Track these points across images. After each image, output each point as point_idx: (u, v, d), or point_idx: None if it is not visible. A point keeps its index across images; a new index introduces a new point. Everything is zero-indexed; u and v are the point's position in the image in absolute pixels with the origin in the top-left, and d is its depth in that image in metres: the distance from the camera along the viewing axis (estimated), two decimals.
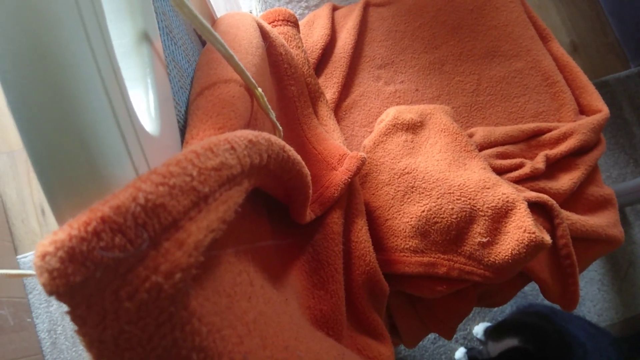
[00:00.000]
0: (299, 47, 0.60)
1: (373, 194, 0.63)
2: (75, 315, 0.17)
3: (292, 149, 0.30)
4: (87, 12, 0.18)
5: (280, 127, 0.40)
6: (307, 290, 0.50)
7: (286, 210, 0.48)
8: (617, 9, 1.40)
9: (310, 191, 0.40)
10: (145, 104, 0.23)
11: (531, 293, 1.22)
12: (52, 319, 1.11)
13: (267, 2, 0.86)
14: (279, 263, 0.46)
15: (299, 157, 0.32)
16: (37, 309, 1.12)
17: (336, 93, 0.72)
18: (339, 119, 0.73)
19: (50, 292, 0.16)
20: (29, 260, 1.13)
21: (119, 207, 0.17)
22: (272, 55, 0.54)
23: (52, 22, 0.16)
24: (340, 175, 0.55)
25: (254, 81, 0.32)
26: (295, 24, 0.63)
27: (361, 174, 0.65)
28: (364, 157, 0.58)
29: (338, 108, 0.73)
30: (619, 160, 1.32)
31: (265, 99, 0.34)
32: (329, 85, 0.72)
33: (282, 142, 0.28)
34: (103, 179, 0.18)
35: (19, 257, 1.13)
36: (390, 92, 0.74)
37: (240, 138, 0.23)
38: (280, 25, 0.62)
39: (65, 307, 0.17)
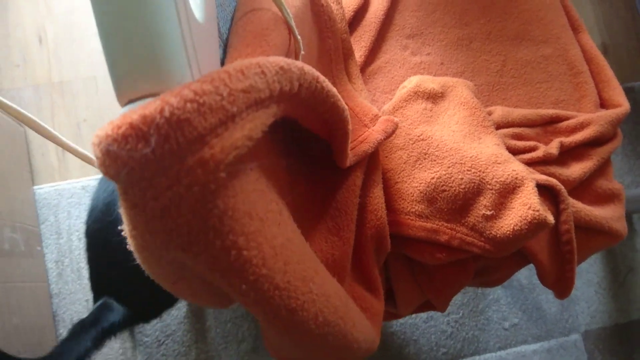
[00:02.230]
0: (339, 3, 0.61)
1: (386, 157, 0.65)
2: (120, 194, 0.19)
3: (327, 80, 0.31)
4: None
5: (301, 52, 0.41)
6: (322, 234, 0.51)
7: (315, 158, 0.50)
8: None
9: (350, 127, 0.41)
10: None
11: (527, 287, 1.23)
12: (61, 250, 1.15)
13: None
14: (295, 206, 0.48)
15: (334, 90, 0.33)
16: (47, 239, 1.15)
17: (362, 57, 0.73)
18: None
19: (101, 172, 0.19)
20: (44, 192, 1.17)
21: (146, 116, 0.18)
22: (316, 5, 0.55)
23: None
24: (375, 134, 0.56)
25: (289, 12, 0.34)
26: None
27: None
28: (397, 122, 0.59)
29: (362, 72, 0.74)
30: (634, 168, 1.32)
31: (297, 32, 0.35)
32: (357, 49, 0.73)
33: (317, 73, 0.29)
34: (162, 59, 0.20)
35: (35, 187, 1.17)
36: (416, 62, 0.75)
37: (272, 63, 0.25)
38: None
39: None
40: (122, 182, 0.19)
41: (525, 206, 0.58)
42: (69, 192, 1.18)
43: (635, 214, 1.28)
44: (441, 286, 0.68)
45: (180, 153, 0.19)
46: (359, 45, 0.73)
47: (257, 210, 0.24)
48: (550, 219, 0.59)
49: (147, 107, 0.18)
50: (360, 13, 0.75)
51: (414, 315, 1.19)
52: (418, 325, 1.19)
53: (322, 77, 0.30)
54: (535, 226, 0.58)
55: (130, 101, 0.21)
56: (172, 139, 0.19)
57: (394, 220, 0.63)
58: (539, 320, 1.21)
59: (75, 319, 1.13)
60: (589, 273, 1.25)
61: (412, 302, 0.72)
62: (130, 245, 0.22)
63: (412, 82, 0.67)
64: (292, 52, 0.39)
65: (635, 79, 1.38)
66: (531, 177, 0.60)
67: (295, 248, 0.28)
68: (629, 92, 1.36)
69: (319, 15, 0.54)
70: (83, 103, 1.24)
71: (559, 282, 0.71)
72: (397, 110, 0.66)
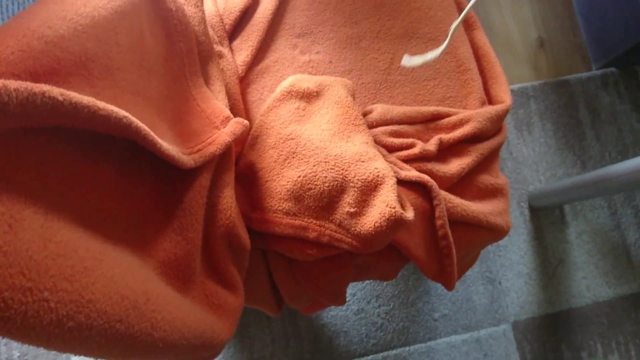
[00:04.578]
0: (197, 7, 0.62)
1: (260, 156, 0.66)
2: None
3: (65, 92, 0.32)
4: None
5: None
6: (164, 233, 0.53)
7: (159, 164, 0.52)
8: (586, 9, 1.39)
9: (141, 129, 0.41)
10: None
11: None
12: None
13: None
14: (130, 206, 0.49)
15: (87, 101, 0.34)
16: None
17: (249, 56, 0.74)
18: (249, 82, 0.75)
19: None
20: None
21: None
22: (162, 10, 0.56)
23: None
24: (224, 136, 0.58)
25: None
26: None
27: (252, 136, 0.67)
28: (247, 124, 0.61)
29: (250, 71, 0.75)
30: (567, 160, 1.33)
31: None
32: (244, 48, 0.74)
33: (40, 88, 0.30)
34: None
35: None
36: (305, 61, 0.76)
37: None
38: None
39: None
40: None
41: (384, 203, 0.60)
42: None
43: (567, 205, 1.30)
44: (319, 281, 0.70)
45: None
46: (247, 45, 0.74)
47: None
48: (408, 215, 0.60)
49: None
50: (248, 13, 0.76)
51: (344, 308, 1.21)
52: (348, 317, 1.21)
53: (55, 90, 0.31)
54: (393, 223, 0.59)
55: None
56: None
57: (263, 218, 0.64)
58: (469, 311, 1.23)
59: None
60: (519, 264, 1.27)
61: (297, 297, 0.73)
62: None
63: (288, 81, 0.68)
64: (106, 57, 0.40)
65: (570, 72, 1.39)
66: (392, 175, 0.62)
67: (17, 259, 0.30)
68: (563, 85, 1.37)
69: (167, 20, 0.55)
70: None
71: (442, 275, 0.73)
72: (271, 109, 0.67)
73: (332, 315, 1.21)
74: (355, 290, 1.22)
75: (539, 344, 1.23)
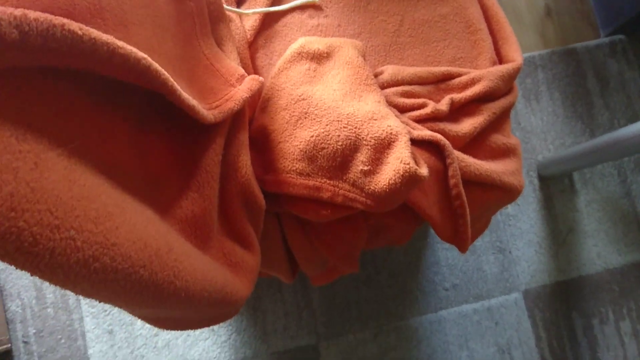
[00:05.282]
0: None
1: (272, 118, 0.66)
2: None
3: (85, 27, 0.32)
4: None
5: None
6: (182, 191, 0.53)
7: (175, 122, 0.52)
8: None
9: (164, 77, 0.41)
10: None
11: (469, 248, 1.25)
12: None
13: None
14: (149, 165, 0.50)
15: (106, 37, 0.34)
16: None
17: (257, 21, 0.73)
18: (258, 47, 0.74)
19: None
20: None
21: None
22: None
23: None
24: (241, 92, 0.58)
25: None
26: None
27: (263, 99, 0.67)
28: (262, 80, 0.61)
29: (258, 36, 0.75)
30: (575, 129, 1.33)
31: None
32: (253, 8, 0.74)
33: (60, 20, 0.30)
34: None
35: None
36: (313, 25, 0.76)
37: None
38: None
39: None
40: None
41: (398, 160, 0.59)
42: None
43: (576, 174, 1.29)
44: (332, 243, 0.70)
45: None
46: (257, 4, 0.74)
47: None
48: (422, 171, 0.60)
49: None
50: None
51: (355, 277, 1.22)
52: (359, 288, 1.21)
53: (74, 24, 0.31)
54: (408, 179, 0.59)
55: None
56: None
57: (277, 180, 0.64)
58: (480, 281, 1.24)
59: (22, 293, 1.16)
60: (529, 233, 1.27)
61: (311, 260, 0.74)
62: None
63: (298, 43, 0.68)
64: (124, 7, 0.40)
65: (577, 40, 1.37)
66: (406, 132, 0.61)
67: (46, 197, 0.30)
68: (571, 54, 1.36)
69: None
70: None
71: (455, 236, 0.73)
72: (281, 71, 0.67)
73: (344, 287, 1.21)
74: (366, 262, 1.23)
75: (550, 311, 1.23)
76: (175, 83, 0.42)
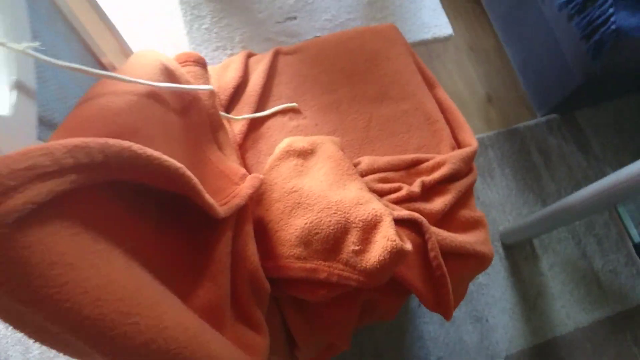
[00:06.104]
0: (205, 84, 0.71)
1: (267, 210, 0.73)
2: None
3: (143, 147, 0.40)
4: None
5: None
6: (198, 281, 0.58)
7: (187, 219, 0.58)
8: (522, 66, 1.59)
9: (194, 182, 0.49)
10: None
11: (447, 322, 1.31)
12: None
13: (196, 49, 0.98)
14: (168, 259, 0.55)
15: (156, 154, 0.42)
16: None
17: (245, 126, 0.83)
18: (247, 148, 0.83)
19: None
20: None
21: None
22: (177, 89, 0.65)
23: None
24: (245, 189, 0.65)
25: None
26: (202, 64, 0.75)
27: (258, 193, 0.75)
28: (262, 177, 0.69)
29: (247, 139, 0.84)
30: (528, 200, 1.46)
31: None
32: (239, 119, 0.84)
33: (127, 143, 0.38)
34: None
35: None
36: (294, 126, 0.86)
37: (62, 143, 0.33)
38: (190, 65, 0.74)
39: None
40: None
41: (385, 238, 0.67)
42: None
43: (536, 240, 1.40)
44: (330, 322, 0.75)
45: None
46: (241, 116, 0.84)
47: (64, 257, 0.31)
48: (407, 246, 0.68)
49: None
50: (240, 89, 0.86)
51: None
52: None
53: (136, 146, 0.38)
54: (395, 254, 0.67)
55: None
56: None
57: (276, 265, 0.70)
58: (462, 352, 1.28)
59: None
60: (502, 301, 1.34)
61: (310, 341, 0.78)
62: None
63: (284, 143, 0.77)
64: (147, 127, 0.48)
65: (518, 121, 1.55)
66: (389, 213, 0.70)
67: (119, 288, 0.36)
68: (515, 133, 1.53)
69: (183, 96, 0.64)
70: None
71: (439, 305, 0.80)
72: (272, 168, 0.75)
73: None
74: (352, 344, 1.25)
75: None
76: (201, 186, 0.49)
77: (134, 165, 0.39)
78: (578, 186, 1.49)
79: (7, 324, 0.33)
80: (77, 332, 0.32)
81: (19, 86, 0.36)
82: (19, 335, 1.18)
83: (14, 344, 1.17)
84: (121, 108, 0.45)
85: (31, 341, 1.17)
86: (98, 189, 0.40)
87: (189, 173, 0.46)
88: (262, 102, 0.86)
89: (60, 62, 0.37)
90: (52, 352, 1.18)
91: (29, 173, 0.28)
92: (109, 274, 0.35)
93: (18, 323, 0.34)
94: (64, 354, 0.40)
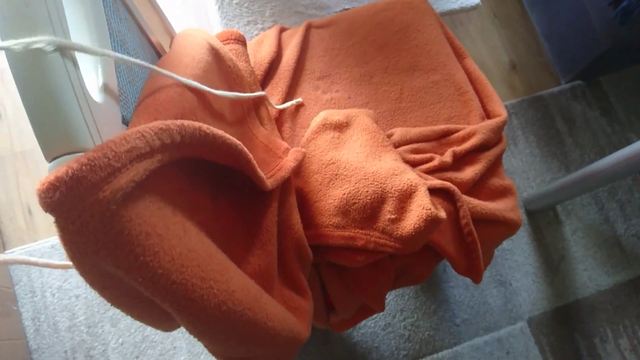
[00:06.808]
0: (246, 61, 0.74)
1: (306, 181, 0.77)
2: (54, 223, 0.30)
3: (210, 127, 0.43)
4: (68, 61, 0.32)
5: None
6: (249, 249, 0.63)
7: (242, 189, 0.62)
8: (547, 32, 1.57)
9: (250, 157, 0.52)
10: (95, 82, 0.37)
11: (472, 285, 1.35)
12: (36, 308, 1.23)
13: (228, 24, 1.00)
14: (222, 228, 0.60)
15: (220, 132, 0.45)
16: (23, 299, 1.23)
17: (280, 100, 0.86)
18: (282, 121, 0.86)
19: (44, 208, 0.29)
20: (16, 254, 1.25)
21: (57, 177, 0.29)
22: (223, 67, 0.68)
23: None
24: (289, 162, 0.69)
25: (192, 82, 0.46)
26: (243, 42, 0.77)
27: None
28: (305, 151, 0.72)
29: (282, 112, 0.87)
30: (552, 166, 1.47)
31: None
32: (275, 94, 0.86)
33: (197, 124, 0.41)
34: (68, 130, 0.32)
35: (7, 251, 1.25)
36: (327, 99, 0.89)
37: (151, 127, 0.36)
38: (231, 43, 0.76)
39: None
40: (53, 215, 0.30)
41: (420, 207, 0.71)
42: (39, 252, 1.26)
43: (559, 206, 1.43)
44: (367, 285, 0.79)
45: (82, 196, 0.30)
46: (277, 90, 0.87)
47: (155, 229, 0.35)
48: (442, 214, 0.71)
49: (59, 170, 0.29)
50: (275, 64, 0.88)
51: (372, 324, 1.29)
52: (377, 333, 1.29)
53: (205, 126, 0.42)
54: (430, 222, 0.70)
55: (53, 158, 0.32)
56: (74, 189, 0.30)
57: (316, 234, 0.74)
58: (487, 314, 1.33)
59: None
60: (525, 265, 1.38)
61: (347, 304, 0.83)
62: (67, 257, 0.33)
63: (320, 116, 0.80)
64: (192, 112, 0.51)
65: (542, 89, 1.55)
66: (423, 183, 0.73)
67: (196, 256, 0.40)
68: (539, 100, 1.53)
69: (228, 74, 0.67)
70: (45, 168, 1.33)
71: (470, 269, 0.83)
72: (310, 141, 0.78)
73: (362, 332, 1.29)
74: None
75: (554, 336, 1.33)
76: (254, 161, 0.53)
77: (203, 143, 0.42)
78: (602, 153, 1.50)
79: (94, 288, 0.37)
80: (165, 295, 0.37)
81: (105, 74, 0.39)
82: (65, 302, 1.25)
83: (61, 310, 1.24)
84: (183, 93, 0.48)
85: (77, 307, 1.25)
86: (170, 166, 0.44)
87: (245, 149, 0.50)
88: (296, 76, 0.89)
89: (144, 63, 0.40)
90: (97, 318, 1.25)
91: (129, 155, 0.32)
92: (187, 243, 0.39)
93: (108, 289, 0.38)
94: (132, 316, 0.44)
